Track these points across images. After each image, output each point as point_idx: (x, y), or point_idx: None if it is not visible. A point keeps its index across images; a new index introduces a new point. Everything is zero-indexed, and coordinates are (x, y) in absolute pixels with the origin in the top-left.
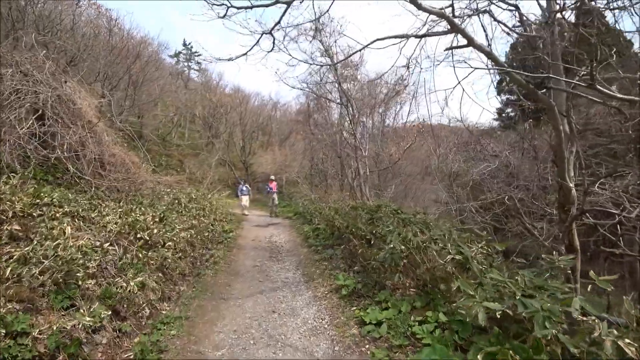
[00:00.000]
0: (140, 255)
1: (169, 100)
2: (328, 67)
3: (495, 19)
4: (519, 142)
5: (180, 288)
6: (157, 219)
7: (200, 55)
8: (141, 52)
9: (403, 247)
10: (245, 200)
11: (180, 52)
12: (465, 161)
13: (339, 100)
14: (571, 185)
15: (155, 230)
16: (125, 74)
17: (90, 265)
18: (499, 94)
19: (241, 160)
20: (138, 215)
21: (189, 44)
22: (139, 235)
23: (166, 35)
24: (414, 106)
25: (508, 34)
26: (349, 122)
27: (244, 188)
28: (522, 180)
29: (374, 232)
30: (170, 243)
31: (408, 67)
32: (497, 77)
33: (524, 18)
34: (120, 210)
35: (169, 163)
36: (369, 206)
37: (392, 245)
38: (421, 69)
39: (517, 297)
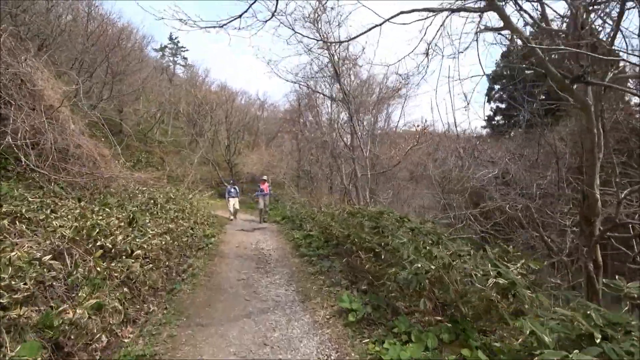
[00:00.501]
0: (99, 268)
1: (152, 95)
2: (327, 59)
3: (521, 8)
4: (517, 148)
5: (150, 307)
6: (124, 223)
7: (187, 50)
8: (122, 39)
9: (433, 266)
10: (233, 203)
11: (166, 47)
12: (464, 167)
13: (335, 96)
14: (598, 195)
15: (120, 237)
16: (103, 61)
17: (22, 286)
18: (489, 101)
19: (226, 160)
20: (100, 218)
21: (176, 38)
22: (99, 243)
23: (152, 30)
24: (414, 106)
25: (531, 25)
26: (347, 119)
27: (232, 190)
28: (528, 188)
29: (382, 244)
30: (139, 251)
31: (427, 54)
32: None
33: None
34: (77, 211)
35: (149, 160)
36: (370, 212)
37: (418, 265)
38: (442, 55)
39: (598, 341)
